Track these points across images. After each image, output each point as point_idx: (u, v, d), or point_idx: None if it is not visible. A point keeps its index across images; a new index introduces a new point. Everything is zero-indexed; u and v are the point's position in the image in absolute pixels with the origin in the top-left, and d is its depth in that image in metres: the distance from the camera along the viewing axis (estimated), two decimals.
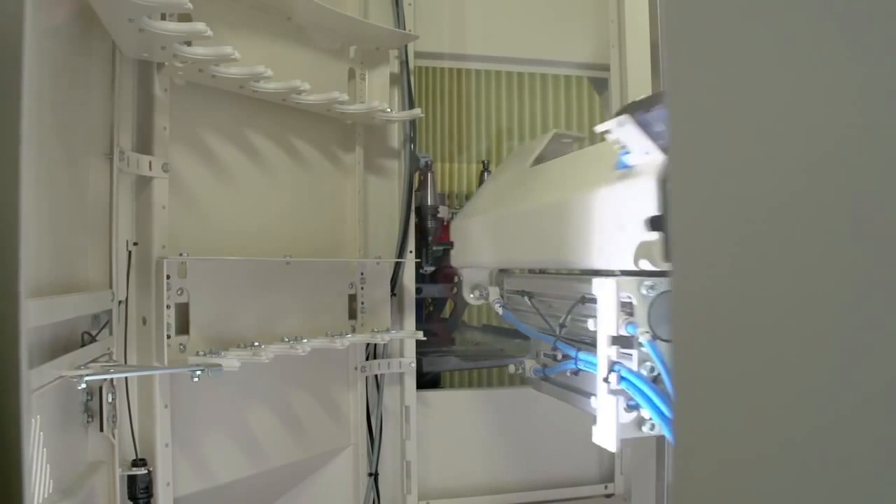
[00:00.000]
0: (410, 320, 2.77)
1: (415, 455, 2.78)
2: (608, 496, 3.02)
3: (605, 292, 1.52)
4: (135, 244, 1.95)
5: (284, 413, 2.41)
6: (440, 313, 3.24)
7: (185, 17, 1.87)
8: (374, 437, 2.72)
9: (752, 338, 0.50)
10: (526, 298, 2.14)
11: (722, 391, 0.53)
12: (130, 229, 1.95)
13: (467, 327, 3.40)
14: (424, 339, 2.69)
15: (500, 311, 2.33)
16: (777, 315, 0.48)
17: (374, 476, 2.71)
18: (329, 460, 2.66)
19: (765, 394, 0.49)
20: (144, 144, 1.98)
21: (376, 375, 2.74)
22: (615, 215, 1.54)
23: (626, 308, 1.51)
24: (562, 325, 1.87)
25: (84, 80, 1.78)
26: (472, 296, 2.55)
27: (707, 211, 0.53)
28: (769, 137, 0.48)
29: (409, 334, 2.68)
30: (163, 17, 1.81)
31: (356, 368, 2.67)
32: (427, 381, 2.98)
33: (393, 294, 2.71)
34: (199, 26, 1.77)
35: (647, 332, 1.44)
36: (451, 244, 2.93)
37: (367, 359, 2.71)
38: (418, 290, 2.83)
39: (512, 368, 2.33)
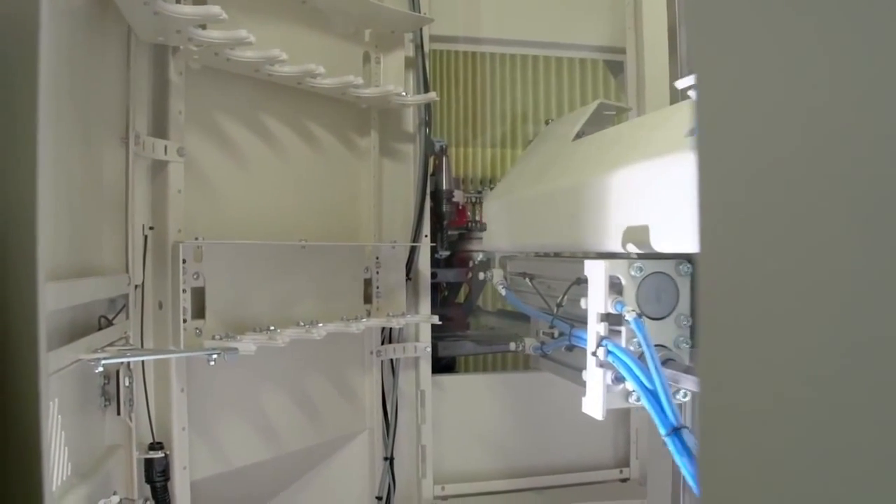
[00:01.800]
0: (426, 304, 2.77)
1: (430, 439, 2.79)
2: (623, 481, 3.02)
3: (595, 273, 1.61)
4: (151, 228, 1.95)
5: (300, 397, 2.42)
6: (455, 298, 3.23)
7: (199, 1, 1.87)
8: (389, 422, 2.73)
9: (779, 323, 0.49)
10: (527, 280, 2.21)
11: (748, 377, 0.52)
12: (146, 213, 1.95)
13: (482, 312, 3.40)
14: (440, 323, 2.69)
15: (503, 292, 2.40)
16: (806, 299, 0.47)
17: (390, 460, 2.71)
18: (344, 444, 2.66)
19: (793, 381, 0.48)
20: (160, 128, 1.98)
21: (391, 360, 2.74)
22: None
23: (618, 288, 1.60)
24: (559, 305, 1.96)
25: (99, 63, 1.78)
26: (496, 277, 2.58)
27: (737, 196, 0.52)
28: (801, 119, 0.47)
29: (424, 318, 2.67)
30: (178, 1, 1.81)
31: (371, 353, 2.67)
32: (442, 365, 2.97)
33: (408, 278, 2.71)
34: (214, 10, 1.77)
35: (634, 311, 1.53)
36: (467, 228, 2.92)
37: (382, 343, 2.72)
38: (433, 275, 2.82)
39: (513, 346, 2.40)
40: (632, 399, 1.61)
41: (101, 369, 1.53)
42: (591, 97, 3.74)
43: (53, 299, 1.27)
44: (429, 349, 2.75)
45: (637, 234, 1.63)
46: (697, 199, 0.53)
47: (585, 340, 1.71)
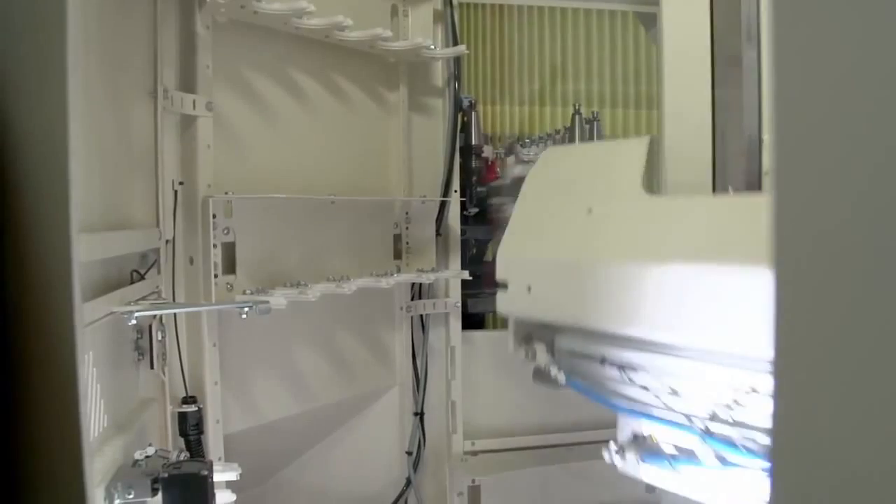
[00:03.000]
0: (456, 260, 2.76)
1: (460, 395, 2.79)
2: None
3: None
4: (180, 183, 1.95)
5: (331, 352, 2.43)
6: (483, 256, 3.22)
7: None
8: (419, 377, 2.74)
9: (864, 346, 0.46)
10: (616, 371, 1.74)
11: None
12: (176, 168, 1.95)
13: None
14: (470, 278, 2.67)
15: (561, 379, 1.89)
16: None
17: (420, 415, 2.73)
18: (375, 400, 2.68)
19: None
20: (188, 83, 1.97)
21: (421, 315, 2.74)
22: None
23: None
24: (708, 427, 1.55)
25: (126, 18, 1.76)
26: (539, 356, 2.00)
27: (821, 201, 0.49)
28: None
29: (454, 274, 2.66)
30: None
31: (401, 308, 2.67)
32: (471, 322, 2.96)
33: (438, 234, 2.69)
34: None
35: None
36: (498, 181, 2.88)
37: (412, 299, 2.71)
38: (462, 232, 2.80)
39: (606, 456, 1.95)
40: None
41: (134, 322, 1.53)
42: (622, 52, 3.67)
43: (86, 251, 1.27)
44: (458, 305, 2.74)
45: None
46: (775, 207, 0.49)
47: None
